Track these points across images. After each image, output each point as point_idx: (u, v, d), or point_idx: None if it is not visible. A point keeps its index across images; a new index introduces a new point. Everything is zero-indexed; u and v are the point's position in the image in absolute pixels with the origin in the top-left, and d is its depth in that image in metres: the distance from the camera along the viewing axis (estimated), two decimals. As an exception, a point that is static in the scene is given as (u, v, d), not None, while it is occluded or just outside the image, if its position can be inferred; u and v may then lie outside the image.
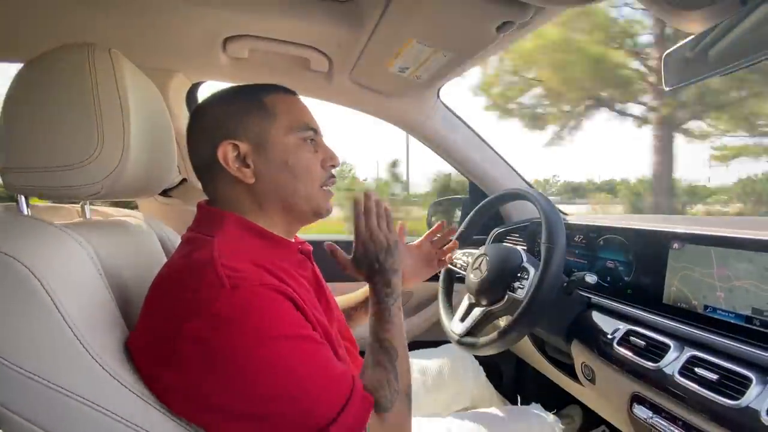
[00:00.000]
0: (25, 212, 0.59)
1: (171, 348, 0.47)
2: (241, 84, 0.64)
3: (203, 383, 0.47)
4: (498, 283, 0.90)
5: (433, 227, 0.94)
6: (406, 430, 0.59)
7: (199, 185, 0.64)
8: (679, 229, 0.78)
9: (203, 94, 1.37)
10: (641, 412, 0.69)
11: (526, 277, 0.88)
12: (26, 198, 0.59)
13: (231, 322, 0.46)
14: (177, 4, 0.90)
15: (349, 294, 0.91)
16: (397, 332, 0.64)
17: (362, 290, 0.90)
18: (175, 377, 0.48)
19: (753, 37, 0.56)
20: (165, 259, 0.72)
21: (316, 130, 0.64)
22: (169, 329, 0.47)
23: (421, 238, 0.94)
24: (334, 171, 0.66)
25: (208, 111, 0.62)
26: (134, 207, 1.45)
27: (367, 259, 0.68)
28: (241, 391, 0.46)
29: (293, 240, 0.66)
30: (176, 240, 0.83)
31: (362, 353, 0.78)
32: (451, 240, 0.95)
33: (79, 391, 0.46)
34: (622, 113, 7.23)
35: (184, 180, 1.42)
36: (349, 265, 0.72)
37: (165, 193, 1.43)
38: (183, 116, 1.26)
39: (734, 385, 0.58)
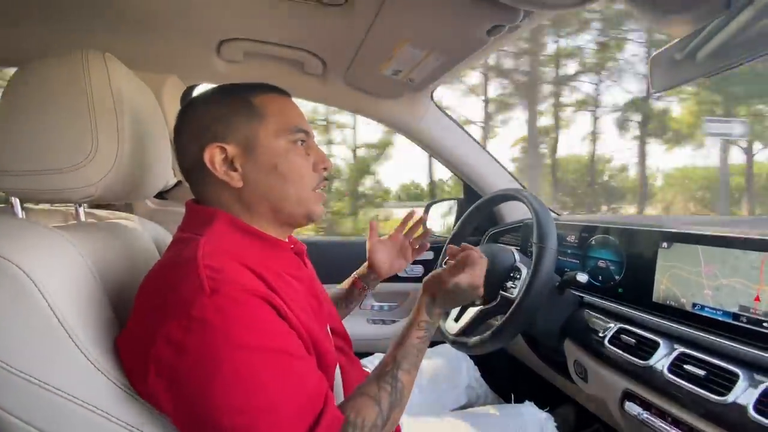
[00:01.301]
0: (20, 215, 0.60)
1: (148, 348, 0.46)
2: (231, 83, 0.62)
3: (175, 387, 0.45)
4: (491, 282, 0.90)
5: (404, 218, 0.93)
6: None
7: None
8: (668, 228, 0.79)
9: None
10: (632, 408, 0.70)
11: (518, 276, 0.89)
12: (20, 201, 0.59)
13: (206, 328, 0.44)
14: (171, 8, 0.91)
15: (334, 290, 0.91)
16: (413, 370, 0.63)
17: (347, 282, 0.92)
18: (152, 378, 0.46)
19: (740, 39, 0.57)
20: (160, 262, 0.72)
21: (307, 132, 0.62)
22: (148, 329, 0.46)
23: (393, 231, 0.94)
24: (326, 174, 0.65)
25: (196, 111, 0.60)
26: (130, 210, 1.44)
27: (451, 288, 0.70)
28: (210, 399, 0.44)
29: (286, 240, 0.65)
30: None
31: (357, 354, 0.78)
32: (423, 229, 0.94)
33: (75, 392, 0.46)
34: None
35: (179, 182, 1.42)
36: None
37: (160, 195, 1.43)
38: (177, 119, 1.26)
39: (722, 381, 0.59)
